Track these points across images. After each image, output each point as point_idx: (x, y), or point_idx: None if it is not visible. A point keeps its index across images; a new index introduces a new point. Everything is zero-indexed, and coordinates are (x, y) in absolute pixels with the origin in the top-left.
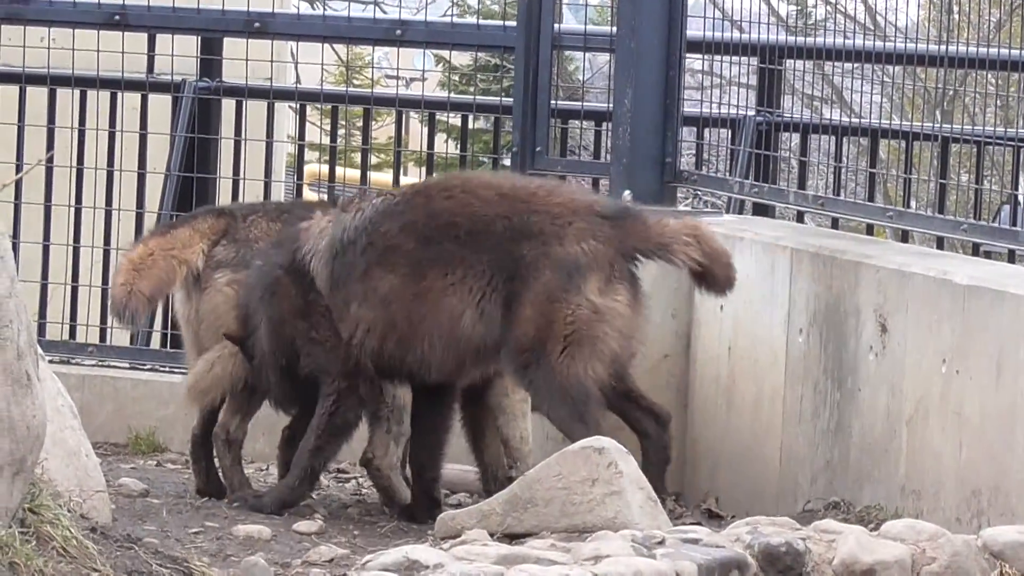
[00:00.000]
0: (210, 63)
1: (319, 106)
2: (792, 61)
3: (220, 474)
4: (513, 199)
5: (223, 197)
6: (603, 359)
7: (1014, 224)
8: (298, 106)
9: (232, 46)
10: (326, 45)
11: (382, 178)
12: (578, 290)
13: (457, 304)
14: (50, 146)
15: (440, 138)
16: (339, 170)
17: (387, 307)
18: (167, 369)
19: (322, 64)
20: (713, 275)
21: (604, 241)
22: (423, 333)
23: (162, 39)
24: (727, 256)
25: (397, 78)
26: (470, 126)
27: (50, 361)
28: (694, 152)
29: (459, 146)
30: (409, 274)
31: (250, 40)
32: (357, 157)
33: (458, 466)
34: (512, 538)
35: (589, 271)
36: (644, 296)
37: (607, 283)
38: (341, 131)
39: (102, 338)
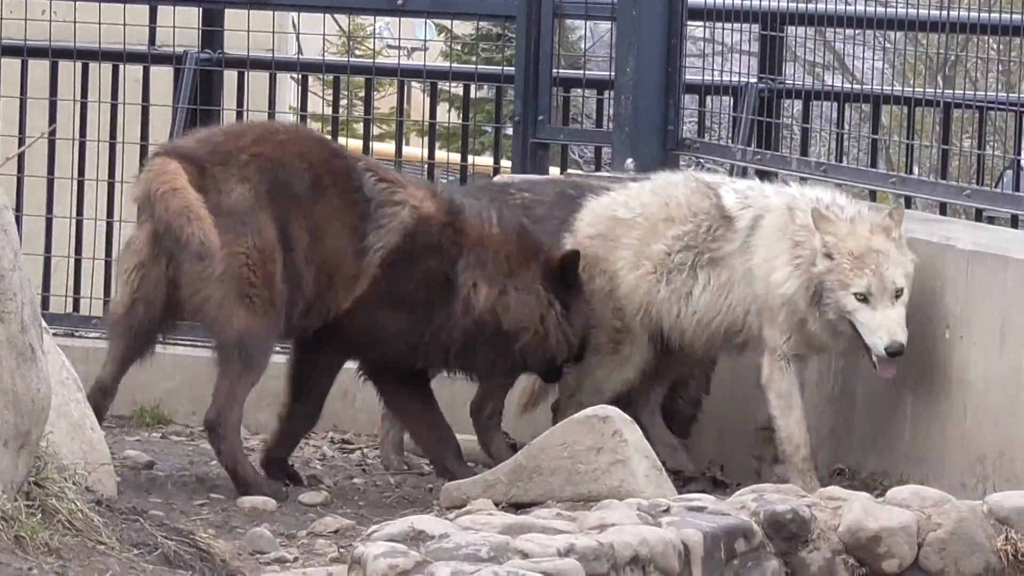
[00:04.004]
0: (211, 35)
1: (321, 77)
2: (794, 28)
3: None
4: None
5: None
6: None
7: (1017, 189)
8: (300, 77)
9: (234, 17)
10: (328, 16)
11: (384, 148)
12: None
13: None
14: (52, 119)
15: (442, 108)
16: (341, 140)
17: None
18: (171, 341)
19: (323, 35)
20: None
21: None
22: None
23: (163, 11)
24: None
25: (399, 48)
26: (472, 96)
27: (54, 334)
28: (696, 120)
29: (461, 116)
30: None
31: (251, 11)
32: (359, 128)
33: (464, 436)
34: (517, 507)
35: None
36: None
37: None
38: (343, 102)
39: (106, 311)
